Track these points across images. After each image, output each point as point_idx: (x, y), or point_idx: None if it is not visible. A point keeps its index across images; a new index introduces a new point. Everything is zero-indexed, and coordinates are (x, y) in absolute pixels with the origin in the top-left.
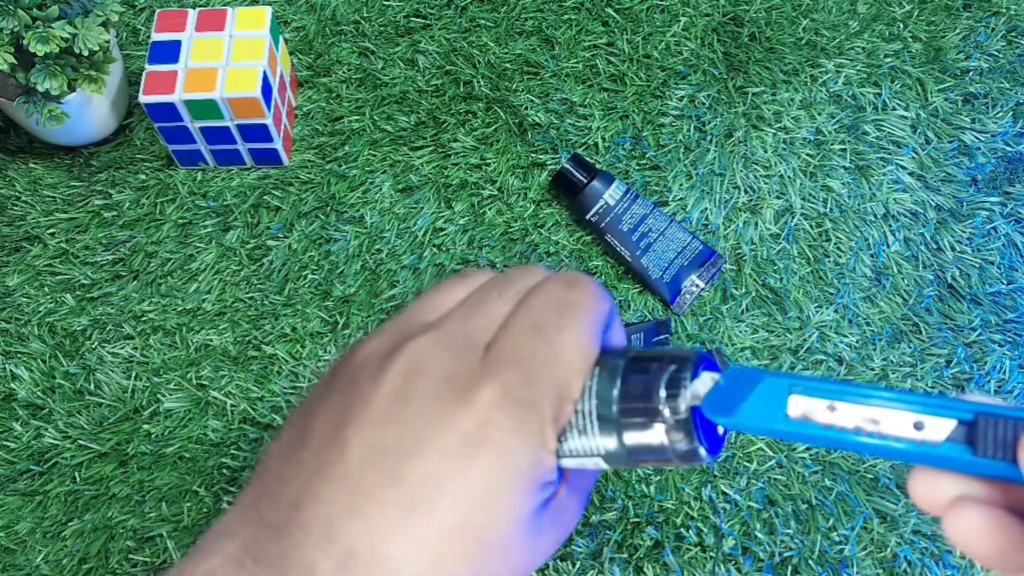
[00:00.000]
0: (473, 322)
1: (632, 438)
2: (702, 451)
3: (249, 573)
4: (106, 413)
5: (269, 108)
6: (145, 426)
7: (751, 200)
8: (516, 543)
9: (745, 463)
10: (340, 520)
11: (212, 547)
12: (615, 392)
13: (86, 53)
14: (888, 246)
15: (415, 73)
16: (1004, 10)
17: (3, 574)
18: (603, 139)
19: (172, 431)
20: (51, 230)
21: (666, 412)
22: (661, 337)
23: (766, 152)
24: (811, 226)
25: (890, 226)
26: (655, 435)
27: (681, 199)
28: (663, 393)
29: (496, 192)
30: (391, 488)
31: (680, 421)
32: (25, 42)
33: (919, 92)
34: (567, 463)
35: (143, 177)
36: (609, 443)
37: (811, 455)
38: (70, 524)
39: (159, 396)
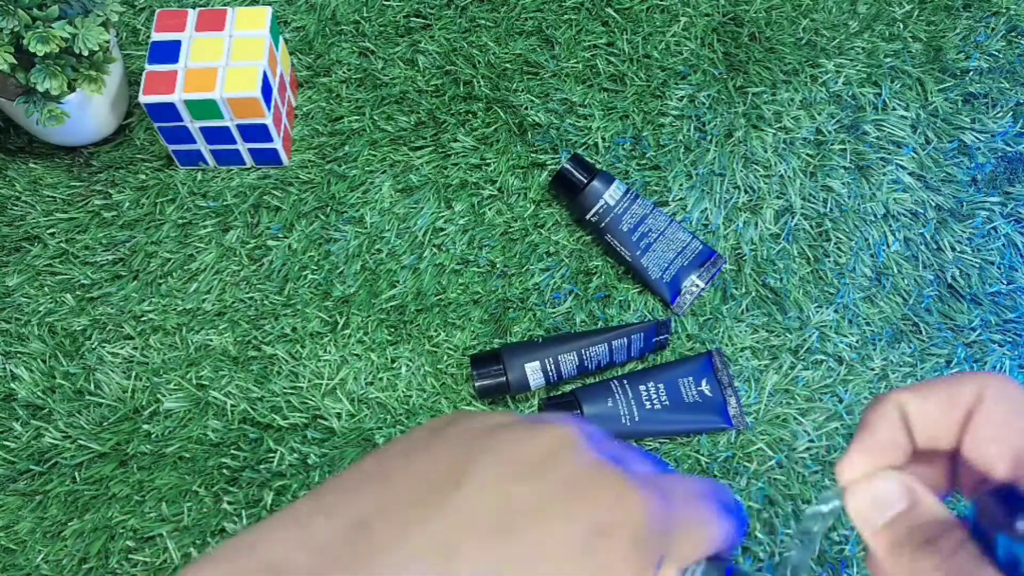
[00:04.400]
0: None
1: None
2: None
3: None
4: (106, 413)
5: (269, 108)
6: (145, 426)
7: (751, 200)
8: None
9: (745, 463)
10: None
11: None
12: None
13: (86, 53)
14: (888, 246)
15: (415, 73)
16: (1004, 10)
17: (3, 574)
18: (603, 139)
19: (172, 431)
20: (51, 230)
21: None
22: (661, 337)
23: (766, 152)
24: (811, 226)
25: (890, 226)
26: None
27: (681, 199)
28: None
29: (496, 192)
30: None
31: None
32: (25, 42)
33: (919, 92)
34: None
35: (143, 177)
36: None
37: (811, 455)
38: (70, 524)
39: (159, 396)
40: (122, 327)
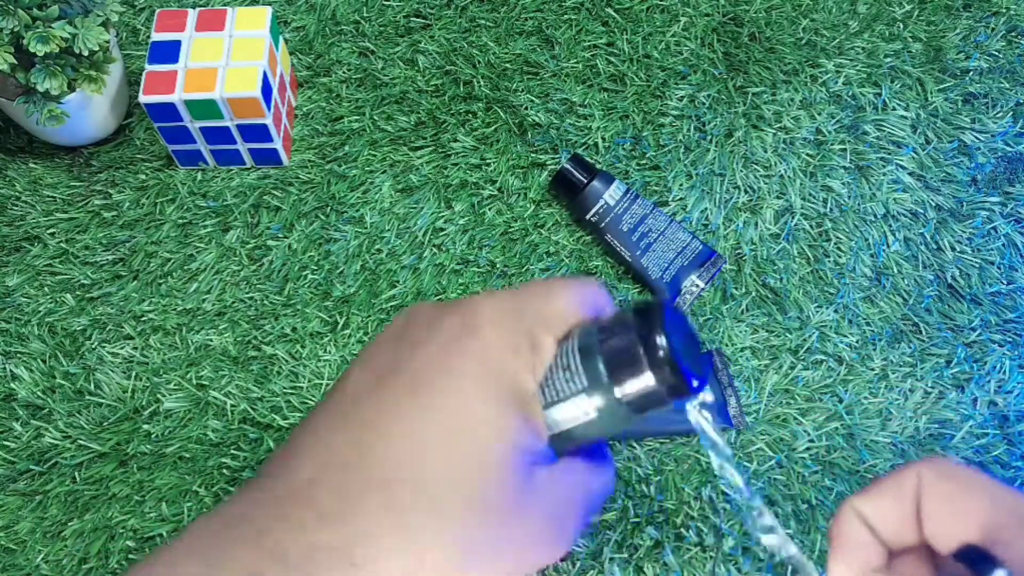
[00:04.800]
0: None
1: (618, 372)
2: (693, 383)
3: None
4: (106, 413)
5: (269, 108)
6: (145, 426)
7: (751, 200)
8: (504, 472)
9: (745, 463)
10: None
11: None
12: (596, 333)
13: (86, 53)
14: (888, 246)
15: (415, 73)
16: (1004, 10)
17: (3, 574)
18: (603, 139)
19: (172, 431)
20: (51, 230)
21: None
22: None
23: (766, 152)
24: (811, 226)
25: (890, 226)
26: (638, 362)
27: (681, 199)
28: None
29: (496, 192)
30: (390, 377)
31: (662, 354)
32: (25, 42)
33: (919, 92)
34: (556, 415)
35: (143, 177)
36: (593, 378)
37: (811, 455)
38: (70, 524)
39: (159, 396)
40: (122, 327)
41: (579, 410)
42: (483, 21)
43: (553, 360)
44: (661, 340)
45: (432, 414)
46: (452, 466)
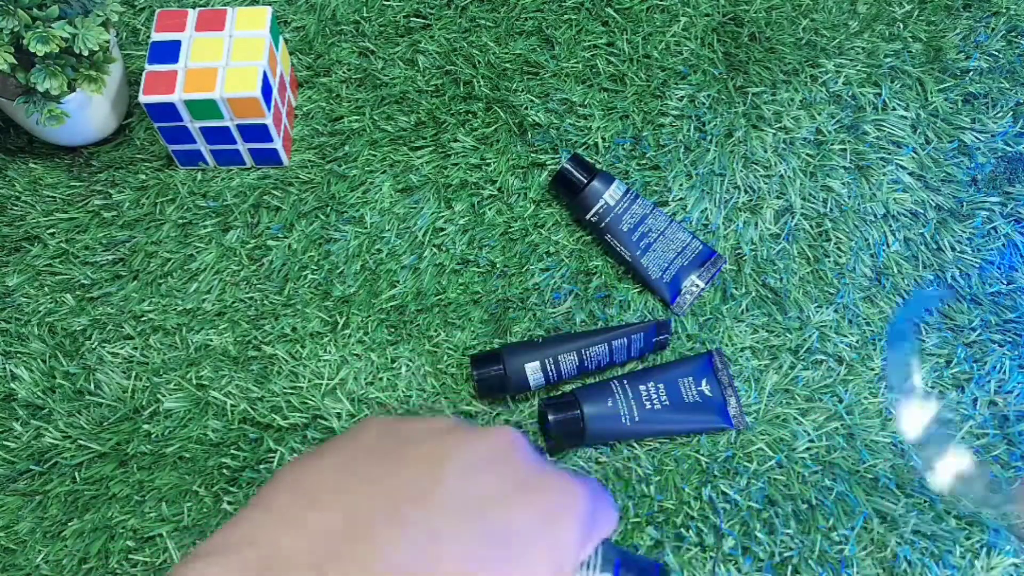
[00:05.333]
0: None
1: None
2: None
3: None
4: (106, 413)
5: (269, 108)
6: (145, 426)
7: (751, 200)
8: None
9: (745, 463)
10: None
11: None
12: (616, 551)
13: (86, 53)
14: (888, 246)
15: (415, 73)
16: (1004, 10)
17: (3, 574)
18: (603, 139)
19: (172, 431)
20: (51, 230)
21: None
22: (661, 337)
23: (766, 152)
24: (811, 226)
25: (890, 226)
26: None
27: (681, 199)
28: None
29: (496, 192)
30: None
31: None
32: (25, 42)
33: (919, 92)
34: None
35: (143, 177)
36: None
37: (811, 455)
38: (70, 524)
39: (159, 396)
40: (122, 327)
41: None
42: (483, 21)
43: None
44: None
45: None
46: None
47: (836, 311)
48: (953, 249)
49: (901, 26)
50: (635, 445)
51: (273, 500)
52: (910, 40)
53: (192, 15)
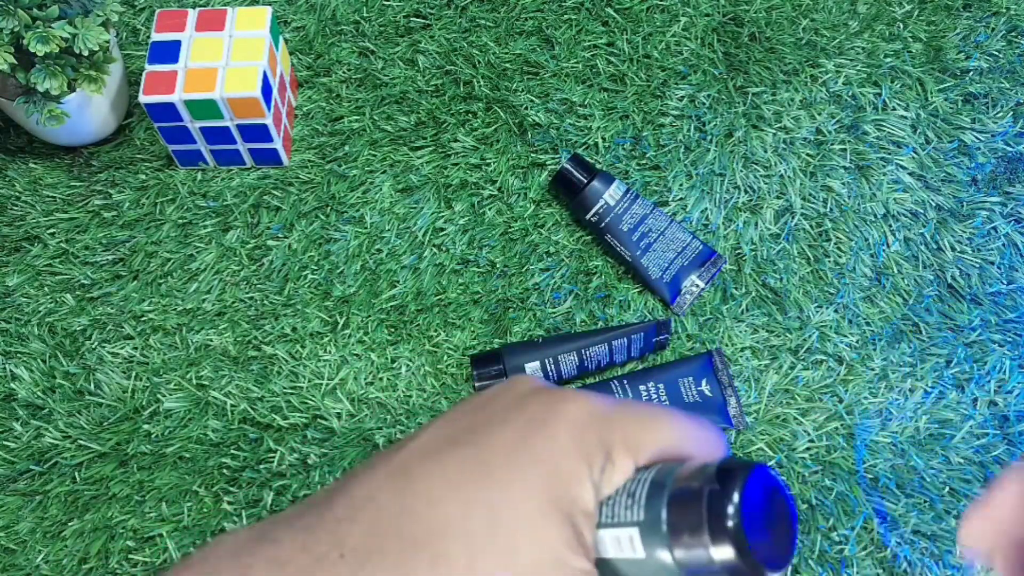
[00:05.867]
0: None
1: (677, 526)
2: (762, 569)
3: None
4: (106, 413)
5: (269, 108)
6: (145, 426)
7: (751, 200)
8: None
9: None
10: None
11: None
12: (674, 474)
13: (86, 53)
14: (888, 246)
15: (415, 73)
16: (1004, 10)
17: (3, 574)
18: (603, 139)
19: (172, 431)
20: (51, 230)
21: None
22: (661, 337)
23: (766, 152)
24: (811, 226)
25: (890, 226)
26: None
27: (681, 199)
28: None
29: (496, 192)
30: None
31: (729, 526)
32: (25, 42)
33: (919, 92)
34: (606, 539)
35: (143, 177)
36: (652, 519)
37: (811, 455)
38: (70, 524)
39: (159, 396)
40: (122, 327)
41: (628, 544)
42: (483, 21)
43: (625, 483)
44: (731, 510)
45: (483, 497)
46: (488, 557)
47: (836, 311)
48: (953, 249)
49: (901, 26)
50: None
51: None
52: (910, 40)
53: (192, 15)
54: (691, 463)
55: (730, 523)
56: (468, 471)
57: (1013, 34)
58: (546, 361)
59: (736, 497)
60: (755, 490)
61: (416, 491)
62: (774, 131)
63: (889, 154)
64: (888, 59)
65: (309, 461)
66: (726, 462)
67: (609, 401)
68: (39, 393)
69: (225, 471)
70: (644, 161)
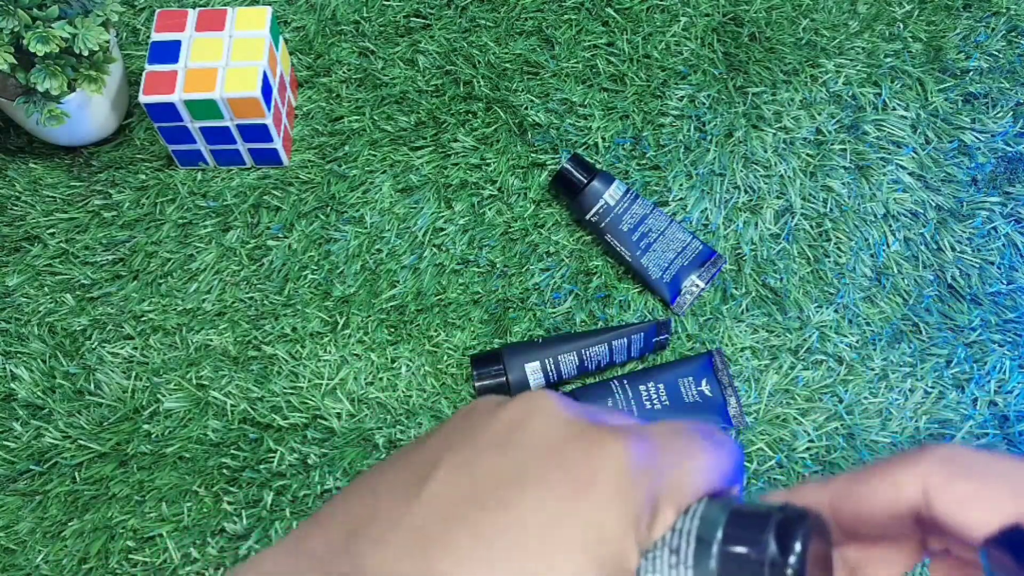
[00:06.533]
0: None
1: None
2: None
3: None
4: (106, 413)
5: (269, 108)
6: (145, 426)
7: (751, 200)
8: None
9: (745, 463)
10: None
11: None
12: (722, 526)
13: (86, 53)
14: (888, 246)
15: (415, 73)
16: (1004, 10)
17: (3, 574)
18: (603, 139)
19: (172, 431)
20: (51, 230)
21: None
22: (661, 337)
23: (766, 152)
24: (811, 226)
25: (890, 226)
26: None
27: (681, 199)
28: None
29: (496, 192)
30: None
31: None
32: (25, 42)
33: (919, 92)
34: None
35: (143, 177)
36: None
37: (811, 455)
38: (70, 524)
39: (159, 396)
40: (122, 327)
41: None
42: (483, 21)
43: (664, 535)
44: (797, 567)
45: (520, 572)
46: None
47: (836, 311)
48: (953, 249)
49: (901, 26)
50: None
51: (299, 526)
52: (910, 40)
53: (192, 15)
54: (730, 504)
55: None
56: (502, 545)
57: (1013, 34)
58: (546, 361)
59: (800, 556)
60: (806, 546)
61: (443, 572)
62: (774, 131)
63: (889, 154)
64: (888, 59)
65: (309, 461)
66: (784, 516)
67: (650, 442)
68: (39, 393)
69: (225, 471)
70: (644, 161)
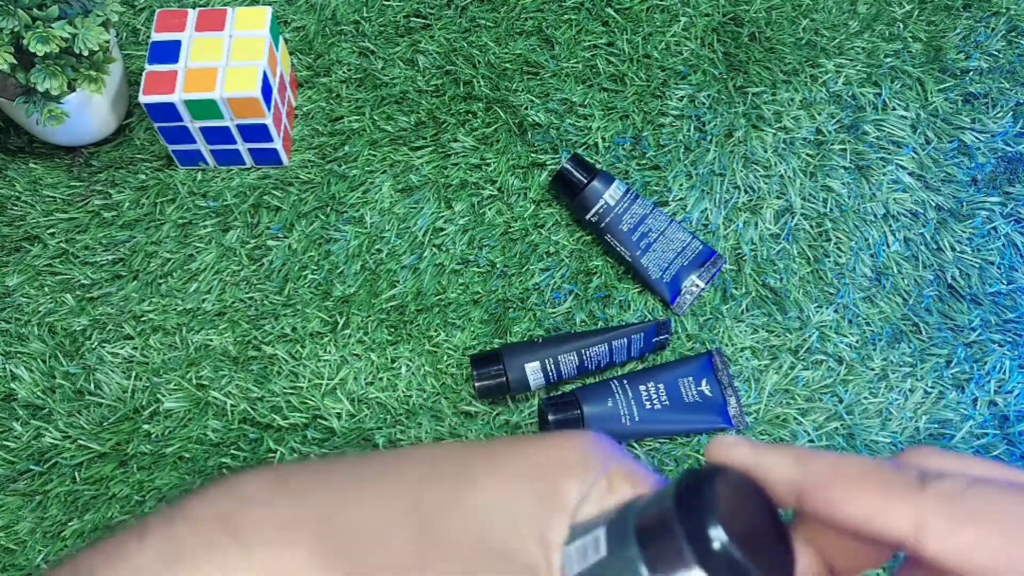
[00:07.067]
0: None
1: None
2: None
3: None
4: (106, 413)
5: (269, 108)
6: (145, 426)
7: (751, 200)
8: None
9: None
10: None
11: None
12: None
13: (86, 53)
14: (888, 246)
15: (415, 73)
16: (1004, 10)
17: (3, 574)
18: (603, 139)
19: (172, 431)
20: (51, 230)
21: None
22: (661, 337)
23: (766, 152)
24: (811, 226)
25: (890, 226)
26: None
27: (681, 199)
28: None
29: (496, 192)
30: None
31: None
32: (25, 42)
33: (919, 92)
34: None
35: (143, 177)
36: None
37: None
38: (70, 524)
39: (159, 396)
40: (122, 327)
41: (593, 549)
42: (483, 21)
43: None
44: (715, 531)
45: None
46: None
47: (836, 311)
48: (953, 249)
49: (901, 26)
50: (635, 445)
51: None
52: (910, 40)
53: (192, 15)
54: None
55: (716, 546)
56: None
57: (1013, 34)
58: (546, 361)
59: (712, 517)
60: (727, 499)
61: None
62: (774, 131)
63: (889, 154)
64: (888, 59)
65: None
66: (684, 483)
67: (610, 444)
68: (39, 393)
69: (225, 471)
70: (644, 161)
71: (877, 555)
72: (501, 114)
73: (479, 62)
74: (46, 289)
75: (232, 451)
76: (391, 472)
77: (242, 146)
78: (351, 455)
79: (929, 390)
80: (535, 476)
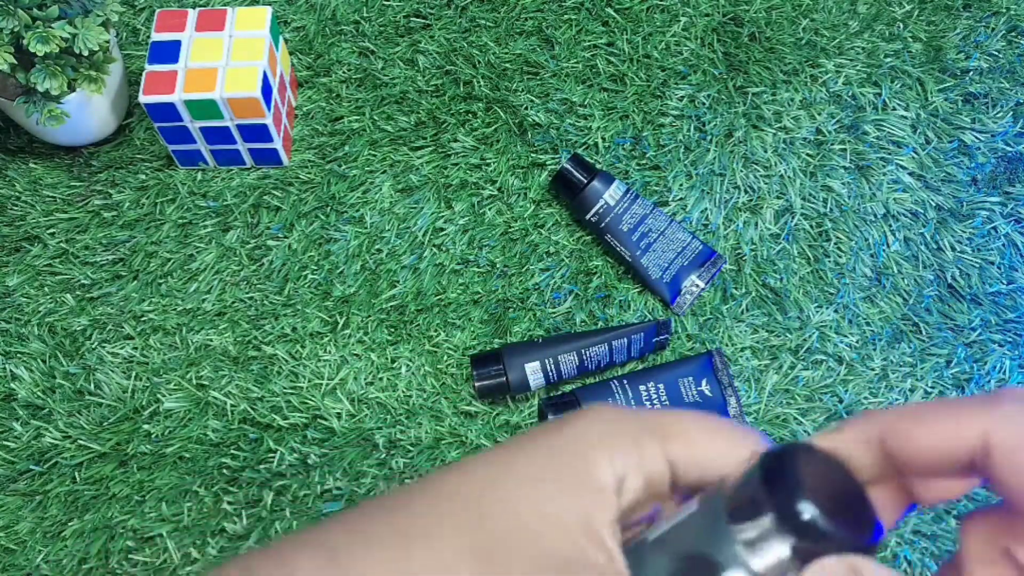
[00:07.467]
0: None
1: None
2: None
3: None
4: (106, 413)
5: (269, 108)
6: (145, 426)
7: (751, 200)
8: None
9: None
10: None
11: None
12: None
13: (86, 53)
14: (888, 246)
15: (415, 73)
16: (1004, 10)
17: (3, 574)
18: (603, 139)
19: (172, 431)
20: (51, 230)
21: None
22: (661, 337)
23: (766, 152)
24: (811, 226)
25: (890, 226)
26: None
27: (681, 199)
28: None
29: (496, 192)
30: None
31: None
32: (25, 42)
33: (919, 92)
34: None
35: (143, 177)
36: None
37: None
38: (70, 524)
39: (159, 396)
40: (122, 327)
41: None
42: (483, 21)
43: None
44: (804, 506)
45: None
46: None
47: (836, 311)
48: (953, 249)
49: (901, 26)
50: None
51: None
52: (910, 40)
53: (192, 15)
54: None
55: (807, 517)
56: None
57: (1013, 34)
58: (546, 361)
59: (799, 492)
60: (808, 473)
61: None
62: (774, 131)
63: (889, 154)
64: (888, 59)
65: (309, 461)
66: (768, 463)
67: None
68: (39, 393)
69: (225, 471)
70: (644, 161)
71: (962, 483)
72: (501, 114)
73: (479, 62)
74: (46, 289)
75: (232, 451)
76: (433, 528)
77: (242, 146)
78: (377, 508)
79: (929, 390)
80: (561, 472)
